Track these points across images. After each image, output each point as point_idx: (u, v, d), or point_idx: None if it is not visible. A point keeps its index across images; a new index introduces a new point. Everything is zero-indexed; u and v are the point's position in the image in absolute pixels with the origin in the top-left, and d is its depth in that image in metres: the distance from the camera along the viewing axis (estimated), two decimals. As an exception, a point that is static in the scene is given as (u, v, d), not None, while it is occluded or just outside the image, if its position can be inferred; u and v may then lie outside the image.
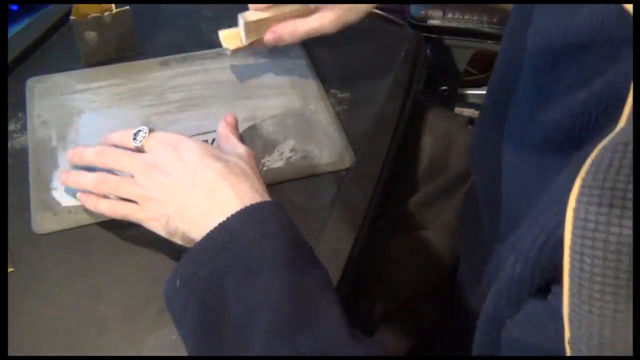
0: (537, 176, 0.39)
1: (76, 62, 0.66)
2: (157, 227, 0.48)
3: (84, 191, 0.52)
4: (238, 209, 0.43)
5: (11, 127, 0.60)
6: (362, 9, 0.61)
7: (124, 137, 0.52)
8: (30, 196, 0.54)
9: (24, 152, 0.57)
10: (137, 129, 0.51)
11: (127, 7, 0.64)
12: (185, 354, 0.43)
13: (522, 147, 0.43)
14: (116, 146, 0.52)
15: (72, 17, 0.61)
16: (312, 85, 0.67)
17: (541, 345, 0.30)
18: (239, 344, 0.40)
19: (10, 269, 0.49)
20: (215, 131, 0.60)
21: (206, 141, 0.59)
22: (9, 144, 0.58)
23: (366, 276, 0.63)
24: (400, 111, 0.66)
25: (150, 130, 0.50)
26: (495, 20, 0.85)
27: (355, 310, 0.60)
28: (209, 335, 0.41)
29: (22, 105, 0.61)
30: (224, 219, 0.43)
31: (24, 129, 0.59)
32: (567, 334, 0.27)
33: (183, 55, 0.68)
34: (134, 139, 0.50)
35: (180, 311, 0.42)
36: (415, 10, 0.86)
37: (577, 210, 0.26)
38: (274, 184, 0.57)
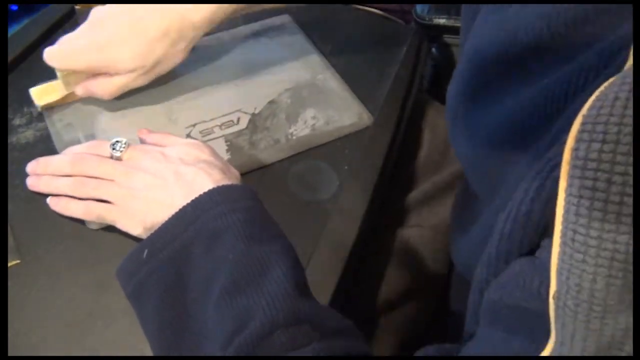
0: (500, 167, 0.41)
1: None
2: (133, 225, 0.48)
3: (56, 195, 0.51)
4: None
5: (16, 121, 0.59)
6: (172, 63, 0.60)
7: (98, 147, 0.52)
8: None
9: (30, 145, 0.57)
10: (115, 140, 0.51)
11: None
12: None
13: (484, 134, 0.44)
14: None
15: (77, 7, 0.62)
16: (314, 56, 0.69)
17: (521, 304, 0.28)
18: (199, 308, 0.40)
19: (16, 261, 0.49)
20: (239, 110, 0.62)
21: (231, 121, 0.61)
22: (15, 138, 0.58)
23: (362, 273, 0.63)
24: (401, 108, 0.67)
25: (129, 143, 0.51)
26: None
27: (350, 306, 0.60)
28: (173, 304, 0.41)
29: (26, 101, 0.61)
30: None
31: (29, 123, 0.59)
32: (552, 287, 0.25)
33: None
34: (113, 148, 0.50)
35: (143, 283, 0.43)
36: (420, 9, 0.86)
37: (576, 149, 0.24)
38: (305, 150, 0.60)
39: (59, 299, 0.47)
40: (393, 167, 0.65)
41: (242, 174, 0.54)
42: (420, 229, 0.69)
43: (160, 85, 0.64)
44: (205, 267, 0.41)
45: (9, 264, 0.48)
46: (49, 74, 0.63)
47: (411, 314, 0.66)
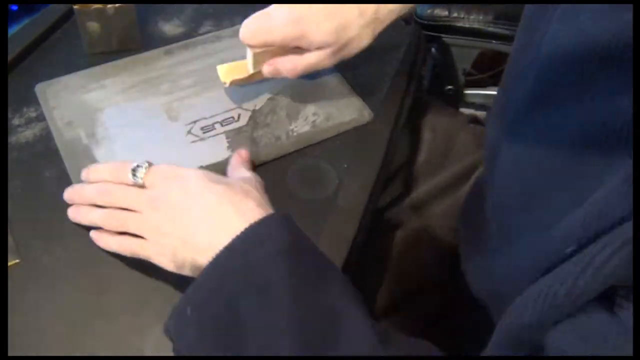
0: (566, 174, 0.39)
1: (78, 60, 0.66)
2: (165, 261, 0.47)
3: (94, 227, 0.51)
4: (242, 228, 0.42)
5: (15, 121, 0.59)
6: (359, 46, 0.60)
7: (120, 171, 0.51)
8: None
9: (29, 145, 0.57)
10: (136, 164, 0.49)
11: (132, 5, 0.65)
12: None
13: (550, 145, 0.42)
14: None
15: (75, 7, 0.62)
16: None
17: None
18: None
19: (15, 261, 0.49)
20: (239, 107, 0.62)
21: (232, 117, 0.61)
22: (15, 138, 0.58)
23: (365, 272, 0.63)
24: (399, 107, 0.67)
25: (149, 165, 0.49)
26: (500, 20, 0.85)
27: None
28: (231, 348, 0.39)
29: (25, 101, 0.61)
30: (229, 240, 0.42)
31: (29, 122, 0.59)
32: None
33: (184, 42, 0.69)
34: (134, 175, 0.49)
35: (195, 341, 0.41)
36: (421, 9, 0.86)
37: None
38: (305, 147, 0.60)
39: (59, 299, 0.47)
40: (391, 164, 0.64)
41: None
42: (425, 228, 0.69)
43: (158, 83, 0.64)
44: (261, 326, 0.39)
45: (9, 264, 0.48)
46: (49, 74, 0.63)
47: (413, 314, 0.66)
